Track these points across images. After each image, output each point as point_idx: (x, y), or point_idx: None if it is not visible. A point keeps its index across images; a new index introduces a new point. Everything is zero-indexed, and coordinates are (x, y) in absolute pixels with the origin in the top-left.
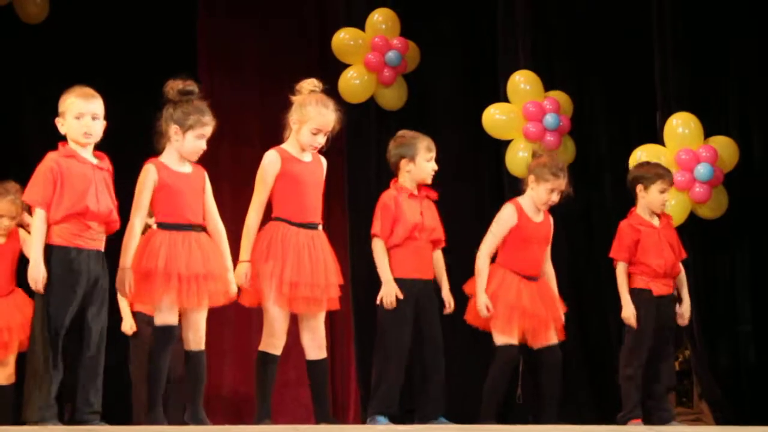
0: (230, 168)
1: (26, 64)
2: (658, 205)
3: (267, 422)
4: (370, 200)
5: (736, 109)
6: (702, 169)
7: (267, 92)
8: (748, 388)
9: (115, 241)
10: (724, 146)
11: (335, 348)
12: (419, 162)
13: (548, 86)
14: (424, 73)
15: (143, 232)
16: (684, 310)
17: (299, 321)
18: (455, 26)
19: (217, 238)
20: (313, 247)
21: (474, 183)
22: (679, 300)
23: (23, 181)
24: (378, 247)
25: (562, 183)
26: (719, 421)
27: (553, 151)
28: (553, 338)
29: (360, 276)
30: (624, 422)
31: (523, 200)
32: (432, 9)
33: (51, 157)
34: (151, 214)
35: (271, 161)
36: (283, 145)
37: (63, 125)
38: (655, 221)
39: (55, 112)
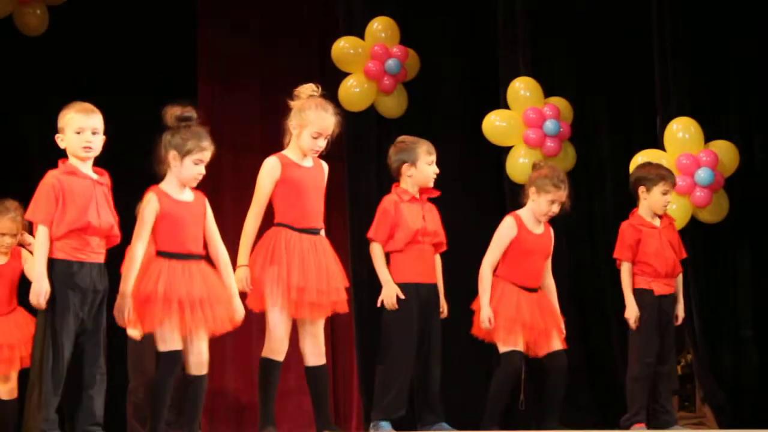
0: (231, 177)
1: (26, 77)
2: (660, 207)
3: (271, 430)
4: (371, 208)
5: (736, 114)
6: (702, 174)
7: (267, 101)
8: (751, 391)
9: (115, 254)
10: (725, 150)
11: (337, 355)
12: (421, 166)
13: (548, 92)
14: (424, 81)
15: None
16: (678, 311)
17: (299, 327)
18: (455, 34)
19: (220, 265)
20: (317, 253)
21: (474, 189)
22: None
23: (24, 194)
24: (375, 251)
25: (563, 194)
26: (722, 425)
27: (554, 162)
28: (556, 345)
29: (361, 282)
30: (628, 426)
31: (522, 212)
32: (431, 17)
33: (52, 174)
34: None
35: (271, 167)
36: (284, 152)
37: (63, 140)
38: (657, 222)
39: (55, 124)
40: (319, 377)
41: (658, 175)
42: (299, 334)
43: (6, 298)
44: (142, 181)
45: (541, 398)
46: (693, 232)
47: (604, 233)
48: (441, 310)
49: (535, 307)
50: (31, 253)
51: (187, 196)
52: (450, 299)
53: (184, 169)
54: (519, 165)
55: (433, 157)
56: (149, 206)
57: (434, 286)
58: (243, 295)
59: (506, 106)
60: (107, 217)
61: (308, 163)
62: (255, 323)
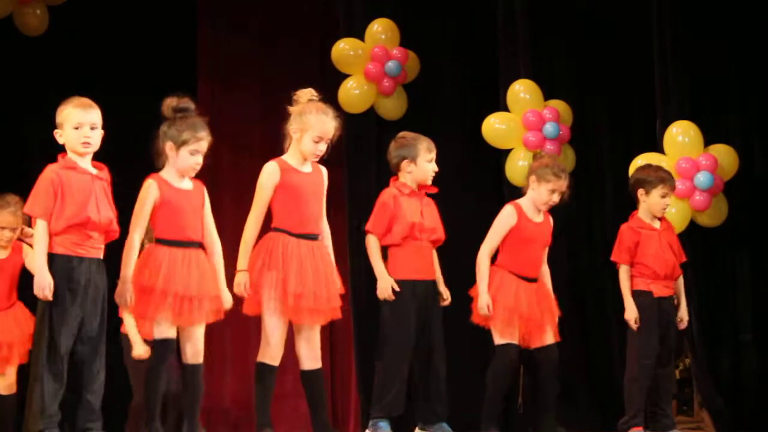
0: (231, 178)
1: (26, 77)
2: (659, 210)
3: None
4: (370, 209)
5: (736, 118)
6: (702, 178)
7: (267, 103)
8: (749, 396)
9: (114, 249)
10: (724, 154)
11: (335, 357)
12: (420, 163)
13: (548, 95)
14: (424, 83)
15: (141, 246)
16: (682, 314)
17: (295, 331)
18: (455, 36)
19: (212, 254)
20: (314, 258)
21: (474, 192)
22: (678, 304)
23: (24, 191)
24: (371, 243)
25: (563, 184)
26: (720, 430)
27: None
28: (549, 339)
29: (360, 285)
30: (625, 429)
31: (523, 201)
32: (432, 19)
33: (51, 168)
34: (149, 231)
35: (270, 172)
36: (284, 156)
37: (62, 136)
38: (656, 224)
39: (55, 124)
40: (315, 381)
41: (658, 177)
42: (295, 337)
43: (6, 292)
44: (141, 180)
45: (535, 394)
46: (692, 236)
47: (603, 235)
48: (444, 298)
49: (533, 298)
50: (31, 246)
51: (186, 184)
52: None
53: (181, 160)
54: (518, 168)
55: (433, 155)
56: (148, 192)
57: (432, 283)
58: (240, 300)
59: (506, 109)
60: (106, 211)
61: (307, 168)
62: (253, 327)
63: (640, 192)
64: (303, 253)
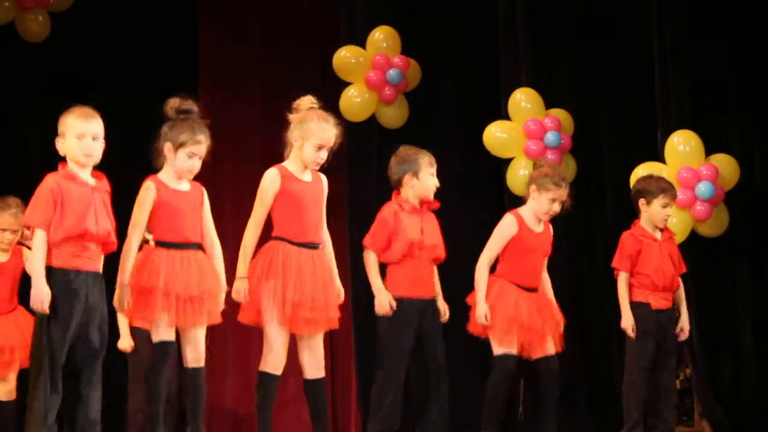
0: (231, 185)
1: (28, 83)
2: (660, 220)
3: None
4: (371, 219)
5: (737, 127)
6: (703, 187)
7: (268, 110)
8: (750, 406)
9: (112, 261)
10: (725, 164)
11: (335, 367)
12: (423, 177)
13: (549, 104)
14: (425, 91)
15: (140, 248)
16: (683, 324)
17: (298, 340)
18: (456, 44)
19: (212, 255)
20: (314, 267)
21: (475, 201)
22: (678, 315)
23: (24, 196)
24: (368, 258)
25: (563, 193)
26: None
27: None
28: (550, 349)
29: (360, 295)
30: None
31: (523, 211)
32: (433, 27)
33: (51, 178)
34: (148, 231)
35: (271, 179)
36: (284, 163)
37: (63, 145)
38: (658, 234)
39: (56, 130)
40: (318, 390)
41: (659, 187)
42: (298, 346)
43: (7, 296)
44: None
45: (536, 404)
46: (693, 246)
47: (604, 244)
48: (442, 313)
49: (533, 307)
50: (30, 249)
51: (184, 186)
52: (449, 310)
53: (178, 162)
54: (519, 177)
55: (434, 169)
56: (147, 194)
57: (431, 301)
58: (239, 307)
59: (507, 118)
60: (105, 224)
61: (308, 177)
62: (254, 334)
63: (641, 202)
64: (303, 261)
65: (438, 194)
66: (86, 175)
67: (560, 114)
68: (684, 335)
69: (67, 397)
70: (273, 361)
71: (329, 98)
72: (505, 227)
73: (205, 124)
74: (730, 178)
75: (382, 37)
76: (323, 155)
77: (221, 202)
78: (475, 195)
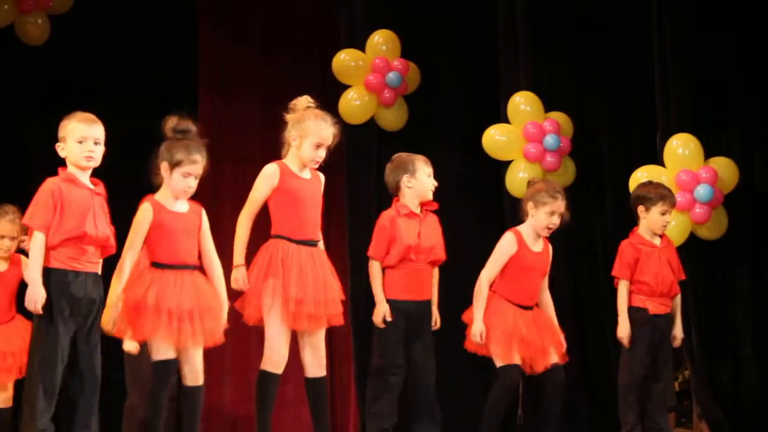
0: (231, 188)
1: (27, 86)
2: (659, 227)
3: None
4: (370, 221)
5: (736, 130)
6: (702, 190)
7: (268, 114)
8: (749, 408)
9: (111, 263)
10: (724, 167)
11: (335, 367)
12: (420, 177)
13: (548, 107)
14: (425, 94)
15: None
16: (676, 332)
17: (299, 338)
18: (456, 47)
19: (212, 276)
20: (314, 264)
21: (474, 203)
22: (674, 322)
23: (24, 200)
24: (372, 269)
25: (561, 204)
26: None
27: (554, 177)
28: (554, 360)
29: (359, 295)
30: None
31: (523, 228)
32: (432, 30)
33: (51, 181)
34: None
35: (270, 173)
36: (284, 160)
37: (64, 149)
38: (656, 241)
39: (56, 133)
40: (319, 389)
41: (658, 194)
42: (299, 345)
43: (6, 305)
44: (141, 191)
45: (538, 413)
46: (692, 249)
47: (603, 248)
48: (433, 321)
49: (531, 323)
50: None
51: (181, 206)
52: (448, 313)
53: (174, 181)
54: (519, 179)
55: (431, 170)
56: (143, 216)
57: (426, 303)
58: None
59: (506, 121)
60: (104, 227)
61: (306, 174)
62: (254, 335)
63: (640, 209)
64: (303, 259)
65: (437, 197)
66: (85, 179)
67: (559, 117)
68: (677, 343)
69: (64, 400)
70: (274, 360)
71: (329, 101)
72: (505, 246)
73: (204, 143)
74: (729, 181)
75: (381, 40)
76: (321, 154)
77: (221, 206)
78: (475, 198)
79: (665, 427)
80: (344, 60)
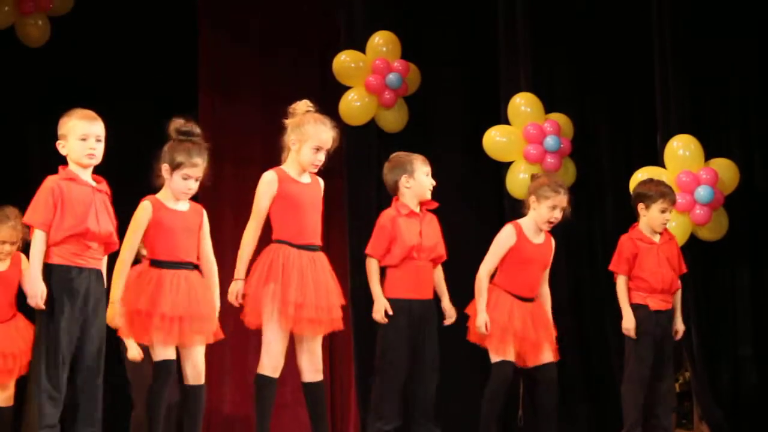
0: (231, 188)
1: (28, 87)
2: (659, 224)
3: None
4: (371, 222)
5: (736, 132)
6: (702, 192)
7: (268, 114)
8: (749, 409)
9: (113, 259)
10: (725, 168)
11: (335, 369)
12: (418, 176)
13: (549, 108)
14: (425, 96)
15: (138, 261)
16: (677, 326)
17: (296, 343)
18: (456, 49)
19: (208, 277)
20: (315, 269)
21: (474, 204)
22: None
23: (25, 202)
24: (370, 266)
25: (563, 199)
26: None
27: (552, 172)
28: (547, 357)
29: (360, 298)
30: None
31: (524, 221)
32: (433, 32)
33: (52, 179)
34: (143, 246)
35: (269, 181)
36: (282, 167)
37: (65, 147)
38: (656, 238)
39: (56, 135)
40: (317, 393)
41: (658, 192)
42: (296, 349)
43: (7, 304)
44: (141, 192)
45: (536, 413)
46: (692, 250)
47: (603, 249)
48: (447, 315)
49: (527, 317)
50: None
51: (182, 206)
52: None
53: (174, 183)
54: (519, 180)
55: (429, 169)
56: (143, 214)
57: (428, 302)
58: (240, 311)
59: (507, 122)
60: (106, 224)
61: (306, 179)
62: (252, 338)
63: (640, 206)
64: (304, 263)
65: (437, 198)
66: (87, 177)
67: (560, 118)
68: (678, 336)
69: (69, 397)
70: (271, 364)
71: (329, 102)
72: (504, 238)
73: (206, 147)
74: (729, 182)
75: (381, 41)
76: (321, 157)
77: (221, 207)
78: (475, 199)
79: (668, 427)
80: (344, 61)
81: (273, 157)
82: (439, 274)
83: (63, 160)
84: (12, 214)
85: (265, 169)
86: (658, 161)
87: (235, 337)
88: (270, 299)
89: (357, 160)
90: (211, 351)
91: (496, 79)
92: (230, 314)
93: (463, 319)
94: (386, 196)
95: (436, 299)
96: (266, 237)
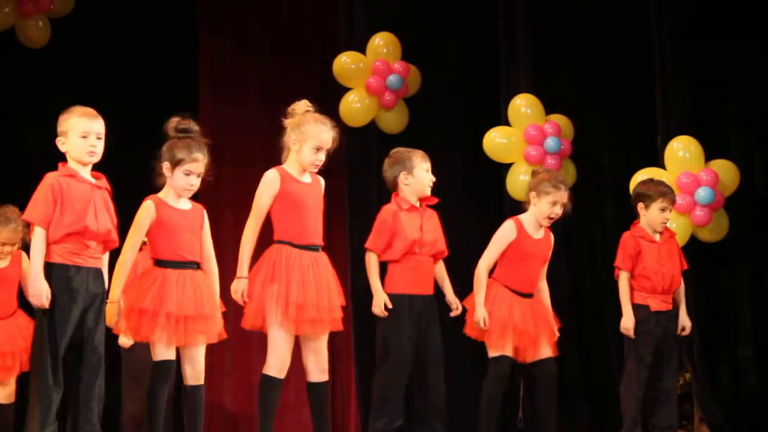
0: (232, 190)
1: (28, 88)
2: (659, 224)
3: None
4: (371, 223)
5: (737, 133)
6: (703, 193)
7: (268, 116)
8: (749, 411)
9: (114, 257)
10: (725, 170)
11: (335, 368)
12: (417, 173)
13: (549, 110)
14: (425, 97)
15: (139, 250)
16: (683, 322)
17: (302, 343)
18: (456, 50)
19: (209, 277)
20: (317, 269)
21: (475, 206)
22: (678, 312)
23: (25, 203)
24: (370, 261)
25: (563, 195)
26: None
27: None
28: (545, 353)
29: (360, 298)
30: None
31: (524, 217)
32: (433, 33)
33: (51, 176)
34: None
35: (270, 180)
36: (283, 166)
37: (65, 144)
38: (657, 237)
39: (56, 135)
40: (321, 393)
41: (657, 191)
42: (302, 349)
43: (8, 300)
44: (141, 194)
45: (535, 410)
46: (693, 251)
47: (604, 250)
48: (453, 307)
49: (527, 312)
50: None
51: (184, 205)
52: (449, 314)
53: (175, 180)
54: (519, 182)
55: (429, 165)
56: (145, 213)
57: (430, 298)
58: (241, 312)
59: (507, 123)
60: (105, 221)
61: (307, 178)
62: (255, 338)
63: (640, 206)
64: (305, 264)
65: (438, 197)
66: (86, 174)
67: (560, 119)
68: (686, 332)
69: (68, 395)
70: (277, 365)
71: (329, 104)
72: (504, 233)
73: (206, 142)
74: (729, 183)
75: (382, 42)
76: (321, 157)
77: (222, 208)
78: (475, 200)
79: (674, 425)
80: (345, 62)
81: (273, 158)
82: (441, 269)
83: (62, 159)
84: (13, 216)
85: (266, 170)
86: (659, 162)
87: (236, 337)
88: (273, 301)
89: (357, 162)
90: (213, 352)
91: (497, 80)
92: (231, 314)
93: (461, 322)
94: (386, 196)
95: (437, 296)
96: (266, 237)
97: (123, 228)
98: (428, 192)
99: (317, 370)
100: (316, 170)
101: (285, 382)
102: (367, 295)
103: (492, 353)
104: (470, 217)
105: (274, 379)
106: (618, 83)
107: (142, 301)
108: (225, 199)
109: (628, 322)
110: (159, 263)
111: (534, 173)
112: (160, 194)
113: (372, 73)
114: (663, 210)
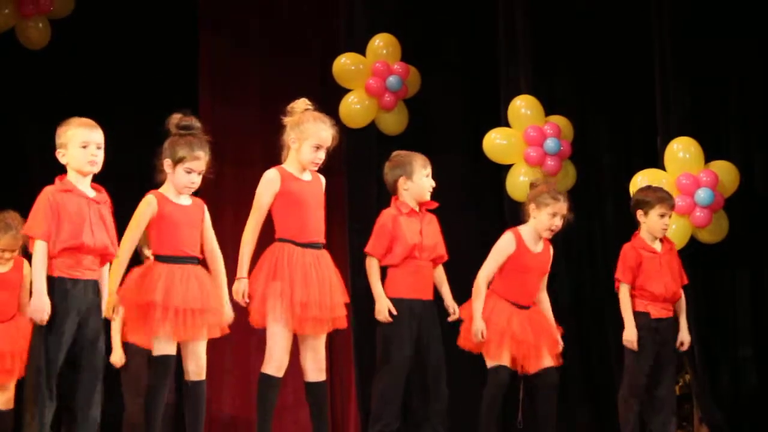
0: (232, 190)
1: (28, 90)
2: (659, 230)
3: None
4: (371, 225)
5: (737, 134)
6: (702, 194)
7: (268, 116)
8: (749, 412)
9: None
10: (725, 171)
11: (335, 369)
12: (417, 179)
13: (549, 111)
14: (425, 98)
15: (140, 261)
16: (683, 337)
17: (300, 342)
18: (456, 51)
19: (215, 270)
20: (319, 267)
21: (474, 207)
22: (678, 327)
23: (24, 205)
24: (371, 266)
25: (562, 206)
26: None
27: (551, 178)
28: (547, 362)
29: (360, 297)
30: None
31: (523, 229)
32: (433, 34)
33: (48, 190)
34: (147, 246)
35: (270, 179)
36: (283, 165)
37: (65, 156)
38: (657, 246)
39: (55, 136)
40: (319, 393)
41: (656, 197)
42: (300, 349)
43: (9, 304)
44: (142, 193)
45: (536, 419)
46: (692, 252)
47: (604, 251)
48: (451, 312)
49: (526, 322)
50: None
51: (185, 200)
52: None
53: (176, 177)
54: (519, 183)
55: (429, 170)
56: (147, 207)
57: (430, 303)
58: (242, 311)
59: (507, 124)
60: (102, 236)
61: (307, 177)
62: (254, 337)
63: (639, 213)
64: (308, 262)
65: (437, 199)
66: (85, 186)
67: (560, 121)
68: (684, 347)
69: (66, 406)
70: (275, 364)
71: (329, 105)
72: (503, 245)
73: (207, 140)
74: (729, 184)
75: (382, 44)
76: (321, 155)
77: (222, 208)
78: (475, 201)
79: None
80: (345, 64)
81: (273, 158)
82: (440, 274)
83: (62, 167)
84: (14, 222)
85: (266, 170)
86: (658, 163)
87: (236, 335)
88: (276, 299)
89: (357, 163)
90: (213, 350)
91: (496, 81)
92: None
93: (458, 321)
94: (386, 199)
95: (437, 301)
96: (267, 236)
97: (123, 229)
98: (428, 197)
99: (315, 369)
100: (316, 168)
101: (283, 383)
102: (367, 296)
103: (490, 363)
104: (470, 218)
105: (273, 378)
106: (618, 83)
107: (148, 295)
108: (225, 199)
109: (630, 335)
110: (160, 258)
111: (532, 185)
112: (161, 189)
113: (372, 74)
114: (662, 216)
